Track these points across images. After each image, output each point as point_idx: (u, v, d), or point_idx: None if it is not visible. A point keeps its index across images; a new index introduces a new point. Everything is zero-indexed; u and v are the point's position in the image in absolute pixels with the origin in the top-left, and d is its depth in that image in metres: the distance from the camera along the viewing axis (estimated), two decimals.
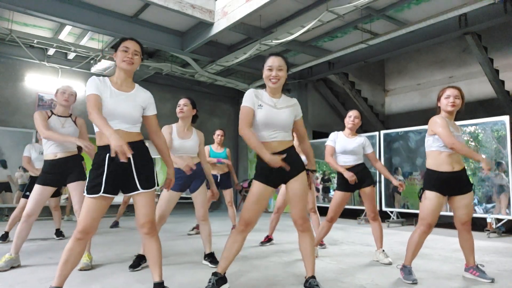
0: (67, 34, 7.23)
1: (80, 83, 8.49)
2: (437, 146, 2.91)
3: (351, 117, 3.75)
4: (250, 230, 2.52)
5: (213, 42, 7.61)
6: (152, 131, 2.38)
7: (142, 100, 2.29)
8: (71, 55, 8.32)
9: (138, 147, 2.22)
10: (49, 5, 5.81)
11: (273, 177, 2.46)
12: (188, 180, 3.32)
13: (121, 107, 2.18)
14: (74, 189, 3.26)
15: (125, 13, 6.55)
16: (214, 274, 2.49)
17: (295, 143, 3.15)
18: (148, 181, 2.22)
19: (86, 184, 2.16)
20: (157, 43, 7.11)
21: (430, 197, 2.86)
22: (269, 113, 2.44)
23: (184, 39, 7.35)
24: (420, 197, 2.95)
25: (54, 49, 7.94)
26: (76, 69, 8.48)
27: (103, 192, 2.10)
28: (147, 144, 2.36)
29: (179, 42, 7.37)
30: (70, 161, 3.29)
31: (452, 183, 2.87)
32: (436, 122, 2.86)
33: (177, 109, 3.37)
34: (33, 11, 5.73)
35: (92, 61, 8.42)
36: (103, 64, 8.31)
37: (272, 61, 2.46)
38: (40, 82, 8.06)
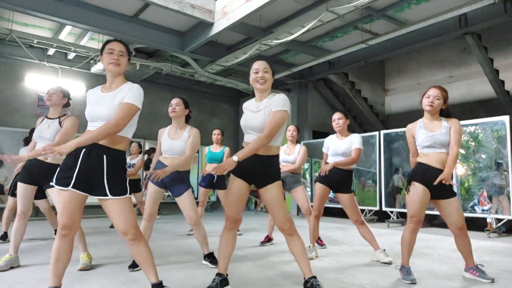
0: (67, 34, 7.23)
1: (80, 83, 8.49)
2: (419, 148, 3.02)
3: (335, 120, 3.76)
4: (238, 224, 2.55)
5: (213, 42, 7.61)
6: (114, 117, 2.10)
7: (121, 97, 2.16)
8: (71, 55, 8.32)
9: (115, 154, 2.16)
10: (49, 5, 5.80)
11: (247, 173, 2.46)
12: (168, 181, 3.21)
13: (100, 109, 2.15)
14: (57, 195, 3.18)
15: (125, 13, 6.55)
16: (218, 274, 2.52)
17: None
18: (118, 188, 2.13)
19: (56, 175, 2.11)
20: (157, 43, 7.10)
21: (416, 190, 2.89)
22: (247, 118, 2.52)
23: (184, 39, 7.34)
24: (407, 190, 2.97)
25: (54, 49, 7.94)
26: (76, 69, 8.48)
27: (72, 187, 2.06)
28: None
29: (179, 42, 7.37)
30: (56, 167, 3.22)
31: (437, 184, 2.83)
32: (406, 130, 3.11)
33: (169, 109, 3.36)
34: (33, 11, 5.73)
35: (92, 61, 8.42)
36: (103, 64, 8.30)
37: (258, 65, 2.52)
38: (40, 82, 8.06)
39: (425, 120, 3.04)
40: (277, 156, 2.55)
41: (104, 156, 2.11)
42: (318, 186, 3.74)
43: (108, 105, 2.14)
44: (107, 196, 2.10)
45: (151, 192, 3.24)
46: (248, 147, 2.36)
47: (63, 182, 2.08)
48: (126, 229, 2.15)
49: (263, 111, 2.46)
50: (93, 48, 7.72)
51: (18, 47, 7.45)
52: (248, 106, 2.60)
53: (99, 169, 2.10)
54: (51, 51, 8.11)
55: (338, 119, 3.73)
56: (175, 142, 3.26)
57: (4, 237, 4.59)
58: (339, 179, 3.65)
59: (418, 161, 3.00)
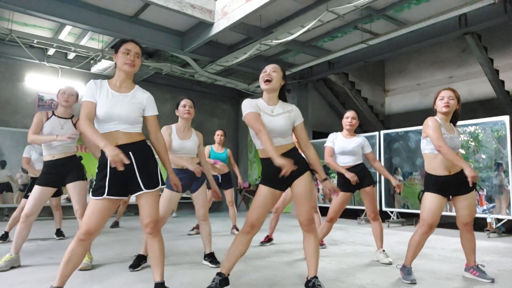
0: (67, 34, 7.23)
1: (80, 83, 8.48)
2: (430, 149, 2.92)
3: (348, 118, 3.75)
4: (256, 232, 2.51)
5: (213, 42, 7.60)
6: (151, 132, 2.38)
7: (140, 100, 2.29)
8: (71, 55, 8.32)
9: (139, 147, 2.24)
10: (49, 5, 5.80)
11: (280, 181, 2.46)
12: (188, 181, 3.32)
13: (118, 109, 2.18)
14: (73, 189, 3.27)
15: (125, 13, 6.55)
16: (219, 274, 2.50)
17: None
18: (151, 181, 2.22)
19: (92, 186, 2.17)
20: (157, 43, 7.10)
21: (431, 198, 2.86)
22: (267, 121, 2.45)
23: (184, 39, 7.34)
24: (420, 199, 2.95)
25: (54, 49, 7.94)
26: (76, 69, 8.48)
27: (107, 195, 2.11)
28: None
29: (179, 42, 7.36)
30: (68, 162, 3.30)
31: (450, 185, 2.86)
32: (428, 124, 2.87)
33: (183, 110, 3.35)
34: (33, 11, 5.73)
35: (92, 61, 8.42)
36: (103, 64, 8.30)
37: (267, 66, 2.56)
38: (40, 82, 8.06)
39: (440, 121, 2.92)
40: (296, 148, 2.58)
41: (130, 153, 2.17)
42: (341, 195, 3.60)
43: (125, 106, 2.20)
44: (142, 191, 2.18)
45: (168, 198, 3.23)
46: (315, 164, 2.58)
47: (98, 192, 2.12)
48: (148, 222, 2.23)
49: (283, 117, 2.49)
50: (93, 48, 7.72)
51: (18, 47, 7.45)
52: (262, 107, 2.51)
53: (129, 165, 2.14)
54: (51, 51, 8.11)
55: (352, 118, 3.73)
56: (186, 143, 3.32)
57: (4, 237, 4.59)
58: (360, 176, 3.60)
59: (425, 170, 2.97)
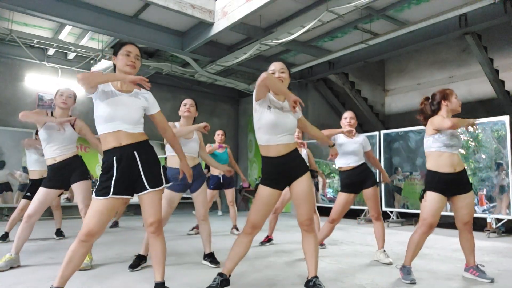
0: (67, 34, 7.23)
1: None
2: (437, 146, 2.91)
3: (347, 119, 3.75)
4: (257, 232, 2.52)
5: (213, 42, 7.61)
6: (160, 128, 2.42)
7: (142, 100, 2.31)
8: (71, 55, 8.32)
9: (143, 146, 2.26)
10: (49, 5, 5.80)
11: (280, 180, 2.48)
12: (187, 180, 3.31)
13: (121, 108, 2.20)
14: (77, 189, 3.28)
15: (125, 13, 6.55)
16: (220, 274, 2.50)
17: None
18: (156, 180, 2.24)
19: (96, 187, 2.17)
20: (157, 43, 7.10)
21: (432, 198, 2.86)
22: (278, 116, 2.45)
23: (184, 39, 7.34)
24: (421, 199, 2.95)
25: (54, 49, 7.94)
26: (76, 69, 8.47)
27: (112, 194, 2.12)
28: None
29: (179, 42, 7.36)
30: (70, 162, 3.30)
31: (453, 184, 2.87)
32: (433, 121, 2.89)
33: (183, 109, 3.37)
34: (33, 11, 5.73)
35: (92, 61, 8.42)
36: (103, 64, 8.31)
37: (274, 66, 2.59)
38: (40, 82, 8.06)
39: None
40: (297, 149, 2.59)
41: (135, 152, 2.19)
42: (344, 196, 3.62)
43: (128, 106, 2.23)
44: (147, 189, 2.20)
45: (169, 198, 3.24)
46: (317, 136, 2.81)
47: (103, 192, 2.12)
48: (152, 221, 2.23)
49: (291, 113, 2.51)
50: (93, 48, 7.72)
51: (18, 47, 7.45)
52: (272, 100, 2.49)
53: (134, 165, 2.17)
54: (51, 51, 8.11)
55: (350, 118, 3.73)
56: (188, 142, 3.32)
57: (4, 237, 4.59)
58: (363, 176, 3.62)
59: (428, 169, 2.97)
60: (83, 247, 2.11)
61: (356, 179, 3.64)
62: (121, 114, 2.19)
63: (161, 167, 2.35)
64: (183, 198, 3.51)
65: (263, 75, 2.35)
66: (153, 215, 2.23)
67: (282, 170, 2.46)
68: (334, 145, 2.95)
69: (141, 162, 2.20)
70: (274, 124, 2.43)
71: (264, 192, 2.47)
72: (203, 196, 3.38)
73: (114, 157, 2.15)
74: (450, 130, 2.88)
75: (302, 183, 2.48)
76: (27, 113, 3.23)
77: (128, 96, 2.26)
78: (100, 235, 2.19)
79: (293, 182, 2.50)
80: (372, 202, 3.66)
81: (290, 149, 2.50)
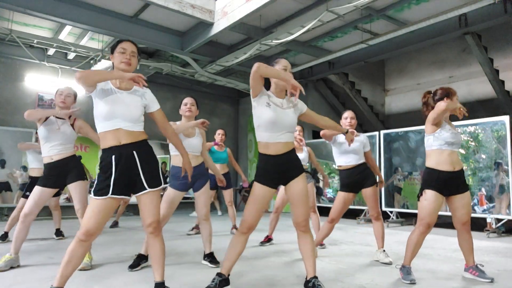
0: (67, 34, 7.23)
1: None
2: (438, 144, 2.91)
3: (347, 119, 3.75)
4: (252, 231, 2.52)
5: (213, 42, 7.61)
6: (160, 126, 2.41)
7: (141, 98, 2.30)
8: (71, 55, 8.32)
9: (142, 146, 2.25)
10: (49, 5, 5.81)
11: (274, 178, 2.47)
12: (192, 179, 3.30)
13: (121, 106, 2.19)
14: (74, 189, 3.27)
15: (125, 13, 6.55)
16: (219, 274, 2.50)
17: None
18: (154, 180, 2.23)
19: (94, 187, 2.16)
20: (157, 43, 7.10)
21: (429, 196, 2.86)
22: (278, 114, 2.42)
23: (184, 39, 7.34)
24: (418, 197, 2.95)
25: (54, 49, 7.94)
26: (76, 69, 8.46)
27: (111, 194, 2.11)
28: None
29: (179, 42, 7.37)
30: (67, 162, 3.30)
31: (451, 183, 2.88)
32: (434, 110, 2.87)
33: (184, 108, 3.36)
34: (33, 11, 5.73)
35: (92, 61, 8.42)
36: (103, 64, 8.30)
37: (280, 61, 2.57)
38: (40, 82, 8.05)
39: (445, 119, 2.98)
40: (294, 150, 2.57)
41: (134, 152, 2.19)
42: (344, 195, 3.62)
43: (127, 104, 2.22)
44: (146, 189, 2.19)
45: (172, 197, 3.23)
46: (330, 125, 2.74)
47: (101, 192, 2.11)
48: (151, 221, 2.23)
49: (291, 111, 2.49)
50: (93, 48, 7.73)
51: (18, 47, 7.45)
52: (272, 99, 2.47)
53: (133, 165, 2.17)
54: (51, 51, 8.11)
55: (350, 118, 3.74)
56: (191, 140, 3.31)
57: (4, 237, 4.59)
58: (363, 176, 3.62)
59: (427, 167, 2.97)
60: (81, 246, 2.10)
61: (356, 179, 3.63)
62: (120, 112, 2.18)
63: (159, 167, 2.34)
64: (183, 198, 3.50)
65: (254, 66, 2.30)
66: (152, 215, 2.22)
67: (280, 169, 2.45)
68: (348, 131, 2.86)
69: (140, 162, 2.20)
70: (273, 121, 2.41)
71: (259, 190, 2.47)
72: (205, 195, 3.37)
73: (113, 156, 2.14)
74: (449, 128, 2.89)
75: (298, 184, 2.47)
76: (32, 112, 3.23)
77: (127, 93, 2.25)
78: (99, 235, 2.19)
79: (289, 182, 2.49)
80: (372, 201, 3.65)
81: (289, 148, 2.49)
